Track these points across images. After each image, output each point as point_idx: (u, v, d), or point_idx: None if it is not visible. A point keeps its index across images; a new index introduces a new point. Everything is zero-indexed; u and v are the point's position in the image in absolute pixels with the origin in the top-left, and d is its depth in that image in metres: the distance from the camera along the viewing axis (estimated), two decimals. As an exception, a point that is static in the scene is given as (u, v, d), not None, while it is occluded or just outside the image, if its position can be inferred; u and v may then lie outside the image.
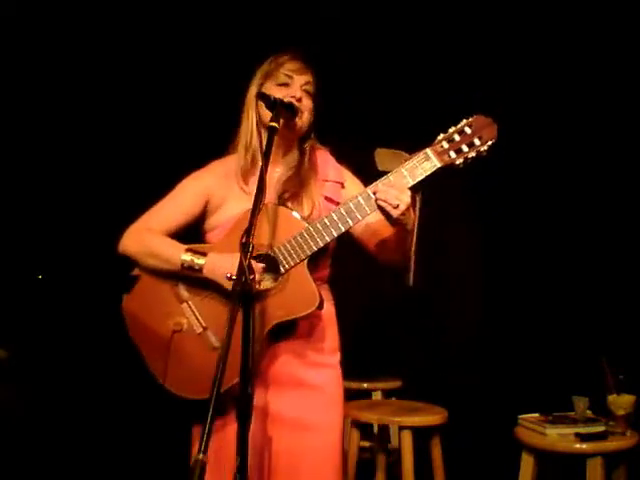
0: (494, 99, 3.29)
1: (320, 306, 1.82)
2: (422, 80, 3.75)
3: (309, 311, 1.80)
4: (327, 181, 1.97)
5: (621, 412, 2.78)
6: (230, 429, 1.69)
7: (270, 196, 1.90)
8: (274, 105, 1.82)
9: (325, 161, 2.00)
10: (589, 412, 2.85)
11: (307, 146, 1.99)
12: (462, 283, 4.02)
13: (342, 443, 1.92)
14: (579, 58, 3.46)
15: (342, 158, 2.05)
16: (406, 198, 1.72)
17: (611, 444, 2.67)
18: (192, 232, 2.02)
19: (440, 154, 1.75)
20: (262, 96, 1.84)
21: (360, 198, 1.78)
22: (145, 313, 1.95)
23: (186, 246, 1.90)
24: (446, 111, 1.86)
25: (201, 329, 1.90)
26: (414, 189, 1.76)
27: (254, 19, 3.57)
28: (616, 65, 3.39)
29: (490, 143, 1.74)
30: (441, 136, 1.76)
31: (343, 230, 1.80)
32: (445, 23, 3.60)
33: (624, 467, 2.76)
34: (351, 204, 1.79)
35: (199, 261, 1.85)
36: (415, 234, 1.80)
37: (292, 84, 1.92)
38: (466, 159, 1.75)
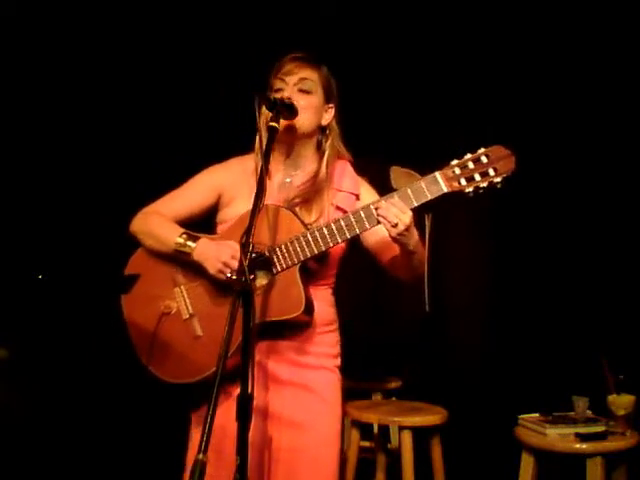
0: (507, 114, 3.31)
1: (307, 312, 1.82)
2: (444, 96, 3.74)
3: (293, 315, 1.80)
4: (341, 191, 1.97)
5: (621, 412, 2.78)
6: (228, 422, 1.69)
7: (282, 199, 1.93)
8: (274, 105, 1.83)
9: (342, 171, 2.00)
10: (589, 412, 2.85)
11: (326, 150, 1.98)
12: (463, 283, 4.02)
13: (339, 446, 1.91)
14: (590, 71, 3.44)
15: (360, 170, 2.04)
16: (405, 218, 1.71)
17: (611, 444, 2.67)
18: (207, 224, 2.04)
19: (449, 179, 1.72)
20: (261, 97, 1.84)
21: (362, 212, 1.77)
22: (140, 294, 1.98)
23: (183, 230, 1.92)
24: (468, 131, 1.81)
25: (188, 315, 1.92)
26: (419, 211, 1.74)
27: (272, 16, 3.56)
28: (624, 75, 3.38)
29: (505, 176, 1.69)
30: (455, 162, 1.73)
31: (340, 241, 1.79)
32: (464, 38, 3.59)
33: (624, 467, 2.76)
34: (352, 217, 1.78)
35: (190, 244, 1.88)
36: (426, 257, 1.78)
37: (285, 87, 1.93)
38: (477, 188, 1.71)
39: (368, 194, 1.98)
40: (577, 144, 3.51)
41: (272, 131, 1.80)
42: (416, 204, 1.73)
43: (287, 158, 1.99)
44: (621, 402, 2.79)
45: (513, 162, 1.69)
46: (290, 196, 1.95)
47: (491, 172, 1.70)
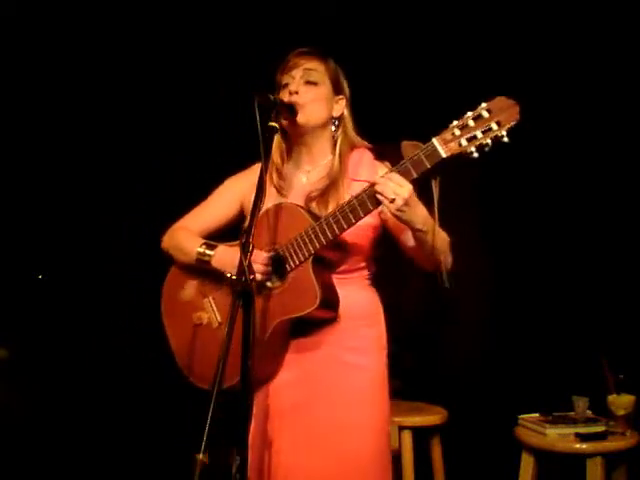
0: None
1: (325, 306, 1.79)
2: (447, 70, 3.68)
3: (307, 311, 1.78)
4: (357, 180, 1.91)
5: (621, 412, 2.78)
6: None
7: (299, 196, 1.93)
8: (274, 105, 1.82)
9: (359, 160, 1.96)
10: (589, 412, 2.85)
11: (338, 142, 1.96)
12: (463, 283, 4.01)
13: (384, 445, 1.90)
14: (593, 58, 3.41)
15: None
16: (403, 192, 1.61)
17: (611, 444, 2.68)
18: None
19: (447, 142, 1.60)
20: (261, 97, 1.84)
21: (364, 194, 1.71)
22: (176, 310, 2.03)
23: (203, 240, 1.96)
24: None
25: (217, 324, 1.94)
26: (424, 180, 1.64)
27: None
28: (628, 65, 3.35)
29: (509, 127, 1.56)
30: (454, 123, 1.61)
31: (345, 227, 1.74)
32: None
33: (624, 467, 2.77)
34: (356, 201, 1.72)
35: (209, 253, 1.91)
36: (434, 230, 1.69)
37: (292, 81, 1.93)
38: (480, 147, 1.58)
39: None
40: (576, 147, 3.50)
41: (272, 131, 1.79)
42: (416, 175, 1.63)
43: (303, 154, 1.98)
44: (621, 402, 2.79)
45: (517, 111, 1.56)
46: (307, 192, 1.93)
47: (494, 126, 1.57)
